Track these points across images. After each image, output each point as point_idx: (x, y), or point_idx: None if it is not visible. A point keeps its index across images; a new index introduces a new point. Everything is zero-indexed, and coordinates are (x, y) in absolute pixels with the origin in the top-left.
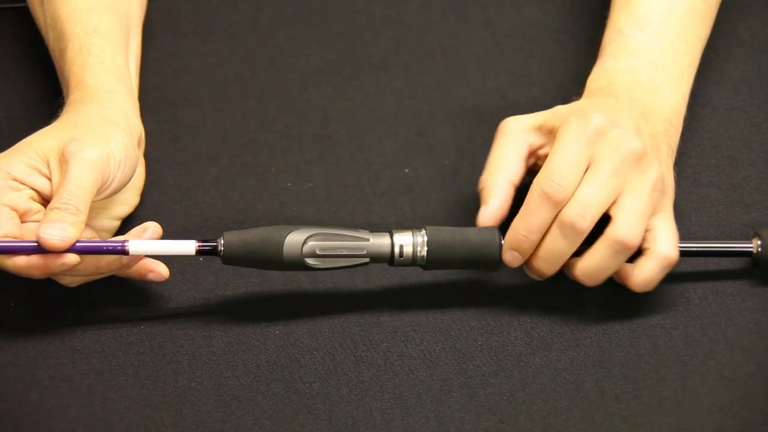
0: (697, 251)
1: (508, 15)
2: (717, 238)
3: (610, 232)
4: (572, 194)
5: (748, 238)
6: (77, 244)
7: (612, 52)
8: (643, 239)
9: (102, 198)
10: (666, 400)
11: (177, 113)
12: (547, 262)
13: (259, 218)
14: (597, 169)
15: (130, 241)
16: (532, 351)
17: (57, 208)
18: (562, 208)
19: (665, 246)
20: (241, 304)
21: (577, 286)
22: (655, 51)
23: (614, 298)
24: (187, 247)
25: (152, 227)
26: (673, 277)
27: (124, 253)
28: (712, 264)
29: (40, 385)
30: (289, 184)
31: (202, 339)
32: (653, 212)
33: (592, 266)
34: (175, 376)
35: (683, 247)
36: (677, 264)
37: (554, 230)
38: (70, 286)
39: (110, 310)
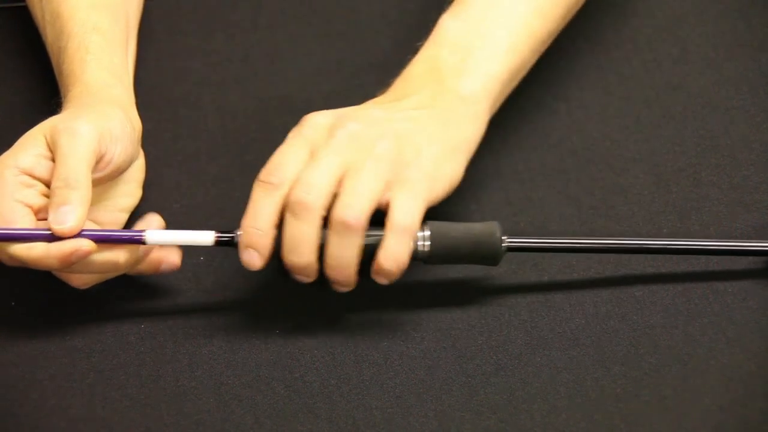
0: (716, 249)
1: None
2: (717, 238)
3: (330, 214)
4: (290, 178)
5: (749, 238)
6: (93, 233)
7: (423, 45)
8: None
9: (104, 176)
10: (666, 399)
11: (177, 113)
12: (294, 253)
13: None
14: (315, 153)
15: (147, 231)
16: (532, 351)
17: (58, 188)
18: (287, 192)
19: (396, 216)
20: (241, 303)
21: (577, 286)
22: (461, 36)
23: (614, 298)
24: (206, 237)
25: (156, 219)
26: (673, 277)
27: (141, 242)
28: (713, 263)
29: (40, 384)
30: None
31: (202, 338)
32: (389, 185)
33: (331, 256)
34: (176, 375)
35: (701, 244)
36: (678, 263)
37: (287, 216)
38: (82, 287)
39: (111, 309)
